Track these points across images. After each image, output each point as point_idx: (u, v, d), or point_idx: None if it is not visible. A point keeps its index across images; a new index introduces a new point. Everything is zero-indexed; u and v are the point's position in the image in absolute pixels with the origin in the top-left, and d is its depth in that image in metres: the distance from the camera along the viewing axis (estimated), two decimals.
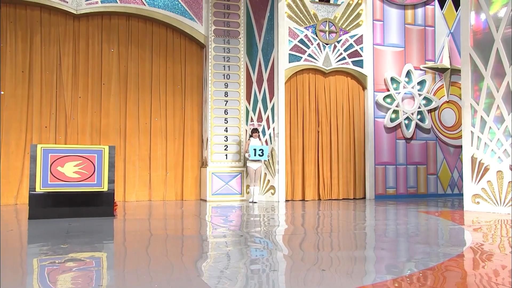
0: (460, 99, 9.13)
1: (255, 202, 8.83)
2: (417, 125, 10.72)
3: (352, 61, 10.29)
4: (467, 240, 4.71)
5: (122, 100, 9.21)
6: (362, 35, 10.42)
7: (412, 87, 10.68)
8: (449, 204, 8.84)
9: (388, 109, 10.47)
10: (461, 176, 10.60)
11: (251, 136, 9.11)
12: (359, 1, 10.45)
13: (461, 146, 9.37)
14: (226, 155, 9.45)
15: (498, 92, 7.30)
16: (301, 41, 9.92)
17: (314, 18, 10.07)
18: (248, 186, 9.37)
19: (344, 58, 10.22)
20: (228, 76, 9.54)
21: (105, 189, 6.21)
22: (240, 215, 7.04)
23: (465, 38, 7.83)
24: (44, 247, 4.05)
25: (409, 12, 10.94)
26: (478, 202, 7.49)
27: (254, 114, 9.66)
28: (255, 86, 9.69)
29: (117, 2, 9.02)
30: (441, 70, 11.06)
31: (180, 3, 9.47)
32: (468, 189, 7.66)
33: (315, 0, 10.25)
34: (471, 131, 7.67)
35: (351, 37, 10.33)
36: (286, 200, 9.49)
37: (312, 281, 2.89)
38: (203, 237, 4.99)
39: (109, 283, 2.87)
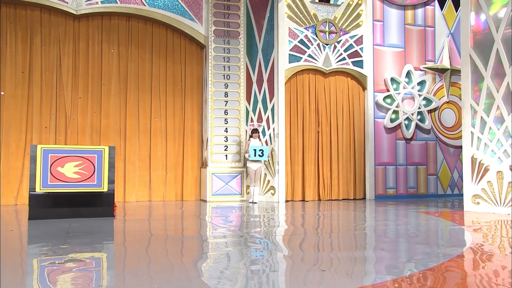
0: (460, 99, 9.14)
1: (255, 203, 8.83)
2: (417, 126, 10.72)
3: (352, 62, 10.29)
4: (467, 240, 4.71)
5: (122, 100, 9.21)
6: (362, 35, 10.42)
7: (412, 88, 10.69)
8: (449, 205, 8.84)
9: (388, 109, 10.48)
10: (461, 177, 10.60)
11: (251, 136, 9.11)
12: (359, 2, 10.46)
13: (461, 147, 9.37)
14: (226, 155, 9.45)
15: (498, 92, 7.30)
16: (301, 41, 9.92)
17: (314, 19, 10.08)
18: (248, 187, 9.37)
19: (344, 59, 10.23)
20: (228, 76, 9.54)
21: (105, 189, 6.21)
22: (240, 215, 7.04)
23: (465, 38, 7.83)
24: (44, 247, 4.05)
25: (409, 13, 10.94)
26: (478, 203, 7.49)
27: (254, 115, 9.66)
28: (255, 86, 9.70)
29: (117, 3, 9.03)
30: (441, 71, 11.06)
31: (180, 3, 9.47)
32: (468, 190, 7.65)
33: (315, 0, 10.26)
34: (471, 132, 7.67)
35: (351, 37, 10.33)
36: (286, 201, 9.49)
37: (312, 282, 2.89)
38: (203, 237, 4.98)
39: (109, 284, 2.87)
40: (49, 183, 5.97)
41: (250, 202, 8.93)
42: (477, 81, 7.64)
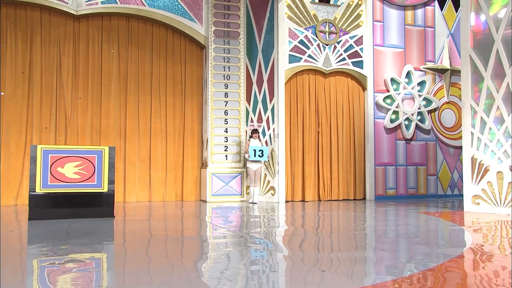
0: (460, 100, 9.14)
1: (255, 203, 8.83)
2: (417, 126, 10.72)
3: (352, 62, 10.29)
4: (467, 241, 4.71)
5: (122, 101, 9.21)
6: (362, 36, 10.42)
7: (412, 88, 10.69)
8: (449, 205, 8.84)
9: (388, 110, 10.48)
10: (461, 177, 10.60)
11: (251, 136, 9.11)
12: (359, 2, 10.46)
13: (461, 147, 9.37)
14: (226, 155, 9.45)
15: (498, 93, 7.30)
16: (301, 42, 9.92)
17: (314, 19, 10.08)
18: (248, 187, 9.37)
19: (344, 59, 10.23)
20: (228, 77, 9.54)
21: (105, 190, 6.21)
22: (240, 216, 7.04)
23: (465, 39, 7.83)
24: (44, 248, 4.05)
25: (409, 13, 10.95)
26: (478, 203, 7.49)
27: (254, 115, 9.67)
28: (255, 87, 9.70)
29: (117, 3, 9.03)
30: (441, 71, 11.06)
31: (180, 4, 9.48)
32: (468, 190, 7.65)
33: (315, 1, 10.26)
34: (471, 132, 7.67)
35: (351, 38, 10.34)
36: (286, 201, 9.49)
37: (312, 282, 2.89)
38: (203, 238, 4.98)
39: (109, 284, 2.87)
40: (49, 183, 5.97)
41: (250, 203, 8.93)
42: (477, 81, 7.64)
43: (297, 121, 9.87)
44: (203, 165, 9.62)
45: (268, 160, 9.41)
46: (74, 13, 8.77)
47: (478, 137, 7.56)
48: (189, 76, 9.75)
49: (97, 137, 8.96)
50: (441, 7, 11.25)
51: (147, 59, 9.43)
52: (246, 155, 9.02)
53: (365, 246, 4.47)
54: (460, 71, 8.53)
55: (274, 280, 3.00)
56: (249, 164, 9.02)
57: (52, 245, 4.15)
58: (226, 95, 9.50)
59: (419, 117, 10.73)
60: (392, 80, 10.53)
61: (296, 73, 9.90)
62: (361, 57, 10.37)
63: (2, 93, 8.36)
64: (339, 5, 10.35)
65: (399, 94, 10.56)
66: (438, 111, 11.04)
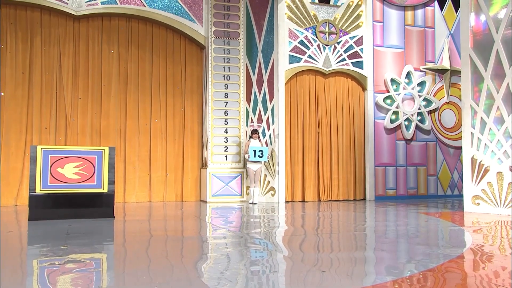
0: (460, 100, 9.14)
1: (255, 203, 8.82)
2: (417, 126, 10.72)
3: (352, 62, 10.29)
4: (467, 241, 4.71)
5: (122, 101, 9.21)
6: (362, 36, 10.42)
7: (412, 88, 10.69)
8: (449, 205, 8.84)
9: (388, 110, 10.48)
10: (461, 177, 10.60)
11: (251, 137, 9.11)
12: (359, 2, 10.46)
13: (461, 147, 9.38)
14: (226, 156, 9.45)
15: (498, 93, 7.30)
16: (301, 42, 9.92)
17: (314, 19, 10.08)
18: (248, 187, 9.37)
19: (344, 59, 10.23)
20: (228, 77, 9.54)
21: (105, 190, 6.21)
22: (240, 216, 7.04)
23: (465, 39, 7.84)
24: (44, 248, 4.05)
25: (409, 13, 10.95)
26: (478, 203, 7.49)
27: (254, 115, 9.67)
28: (255, 87, 9.70)
29: (117, 3, 9.03)
30: (441, 71, 11.06)
31: (180, 4, 9.48)
32: (468, 190, 7.65)
33: (315, 1, 10.26)
34: (471, 132, 7.67)
35: (351, 38, 10.34)
36: (286, 201, 9.49)
37: (312, 282, 2.89)
38: (203, 238, 4.98)
39: (109, 284, 2.87)
40: (49, 184, 5.98)
41: (250, 203, 8.92)
42: (477, 81, 7.64)
43: (297, 122, 9.87)
44: (203, 165, 9.62)
45: (268, 161, 9.41)
46: (74, 13, 8.77)
47: (478, 138, 7.56)
48: (189, 77, 9.75)
49: (97, 137, 8.97)
50: (441, 8, 11.26)
51: (147, 60, 9.43)
52: (246, 156, 9.02)
53: (365, 246, 4.47)
54: (460, 71, 8.53)
55: (274, 280, 3.00)
56: (249, 165, 9.02)
57: (52, 245, 4.15)
58: (226, 95, 9.50)
59: (419, 118, 10.73)
60: (392, 80, 10.54)
61: (296, 73, 9.90)
62: (361, 57, 10.37)
63: (2, 94, 8.36)
64: (339, 6, 10.35)
65: (399, 94, 10.56)
66: (438, 111, 11.04)
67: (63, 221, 5.78)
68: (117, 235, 5.25)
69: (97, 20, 9.12)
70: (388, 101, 10.50)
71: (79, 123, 8.88)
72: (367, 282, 2.93)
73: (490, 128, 7.41)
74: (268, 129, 9.55)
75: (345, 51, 10.26)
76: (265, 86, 9.62)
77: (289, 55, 9.78)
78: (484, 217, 6.71)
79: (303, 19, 9.99)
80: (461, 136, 8.35)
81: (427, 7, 11.09)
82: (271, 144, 9.49)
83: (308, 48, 9.97)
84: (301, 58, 9.89)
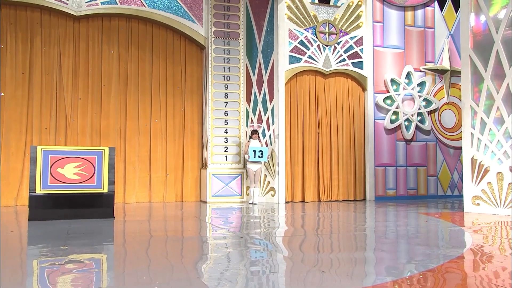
0: (460, 100, 9.14)
1: (255, 204, 8.82)
2: (417, 127, 10.72)
3: (352, 63, 10.29)
4: (467, 241, 4.71)
5: (122, 101, 9.21)
6: (362, 36, 10.43)
7: (412, 89, 10.69)
8: (449, 206, 8.84)
9: (388, 110, 10.48)
10: (461, 178, 10.60)
11: (250, 137, 9.11)
12: (359, 3, 10.46)
13: (461, 148, 9.37)
14: (226, 156, 9.45)
15: (498, 93, 7.30)
16: (301, 42, 9.92)
17: (314, 20, 10.08)
18: (248, 188, 9.37)
19: (344, 60, 10.23)
20: (228, 77, 9.54)
21: (105, 190, 6.21)
22: (240, 216, 7.04)
23: (465, 39, 7.84)
24: (44, 248, 4.05)
25: (409, 14, 10.95)
26: (478, 204, 7.48)
27: (254, 116, 9.67)
28: (255, 87, 9.70)
29: (117, 4, 9.03)
30: (441, 72, 11.06)
31: (180, 4, 9.48)
32: (468, 191, 7.65)
33: (315, 1, 10.26)
34: (471, 133, 7.67)
35: (351, 38, 10.34)
36: (286, 202, 9.49)
37: (312, 283, 2.89)
38: (203, 238, 4.98)
39: (109, 285, 2.87)
40: (49, 184, 5.98)
41: (250, 203, 8.92)
42: (477, 82, 7.64)
43: (297, 122, 9.87)
44: (203, 165, 9.62)
45: (268, 161, 9.41)
46: (74, 13, 8.78)
47: (478, 138, 7.56)
48: (189, 77, 9.75)
49: (97, 137, 8.97)
50: (441, 8, 11.26)
51: (147, 60, 9.43)
52: (246, 156, 9.02)
53: (365, 246, 4.47)
54: (460, 71, 8.53)
55: (274, 281, 3.00)
56: (249, 165, 9.02)
57: (52, 245, 4.15)
58: (226, 95, 9.50)
59: (419, 118, 10.73)
60: (392, 80, 10.54)
61: (296, 73, 9.90)
62: (361, 57, 10.37)
63: (2, 94, 8.36)
64: (339, 6, 10.35)
65: (399, 94, 10.56)
66: (438, 111, 11.04)
67: (63, 222, 5.78)
68: (117, 236, 5.25)
69: (97, 21, 9.12)
70: (388, 101, 10.50)
71: (79, 124, 8.88)
72: (367, 283, 2.93)
73: (490, 129, 7.41)
74: (268, 129, 9.55)
75: (345, 52, 10.26)
76: (265, 86, 9.62)
77: (289, 55, 9.78)
78: (484, 218, 6.71)
79: (303, 20, 9.99)
80: (461, 137, 8.35)
81: (427, 8, 11.09)
82: (271, 145, 9.49)
83: (308, 49, 9.97)
84: (301, 59, 9.89)
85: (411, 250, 4.18)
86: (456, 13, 11.10)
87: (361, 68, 10.36)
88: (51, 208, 5.97)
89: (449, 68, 11.01)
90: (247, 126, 9.62)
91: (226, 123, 9.48)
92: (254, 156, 8.90)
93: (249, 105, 9.70)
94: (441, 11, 11.24)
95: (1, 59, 8.36)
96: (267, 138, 9.53)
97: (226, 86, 9.52)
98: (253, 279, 3.01)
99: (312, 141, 9.94)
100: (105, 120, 9.06)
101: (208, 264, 3.50)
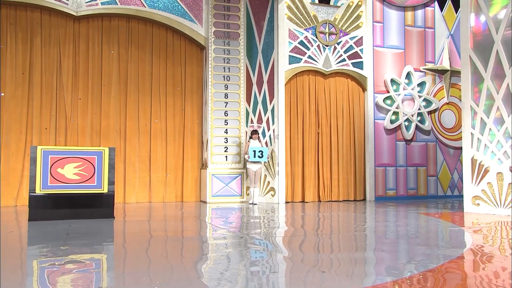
0: (460, 100, 9.14)
1: (255, 204, 8.82)
2: (417, 127, 10.72)
3: (352, 63, 10.30)
4: (467, 241, 4.71)
5: (122, 101, 9.22)
6: (362, 36, 10.43)
7: (412, 89, 10.69)
8: (449, 206, 8.84)
9: (388, 110, 10.48)
10: (461, 178, 10.60)
11: (250, 137, 9.11)
12: (359, 3, 10.46)
13: (461, 148, 9.37)
14: (226, 156, 9.45)
15: (498, 93, 7.30)
16: (301, 42, 9.92)
17: (314, 20, 10.08)
18: (248, 188, 9.37)
19: (344, 60, 10.23)
20: (228, 77, 9.54)
21: (105, 190, 6.21)
22: (240, 216, 7.04)
23: (465, 39, 7.84)
24: (44, 249, 4.05)
25: (409, 14, 10.95)
26: (478, 204, 7.48)
27: (254, 116, 9.67)
28: (255, 87, 9.70)
29: (117, 4, 9.03)
30: (441, 72, 11.06)
31: (180, 4, 9.48)
32: (468, 191, 7.65)
33: (315, 1, 10.26)
34: (471, 133, 7.67)
35: (351, 38, 10.34)
36: (286, 202, 9.49)
37: (312, 283, 2.89)
38: (203, 238, 4.98)
39: (109, 285, 2.87)
40: (49, 184, 5.98)
41: (250, 203, 8.92)
42: (477, 82, 7.64)
43: (297, 122, 9.87)
44: (203, 166, 9.62)
45: (268, 161, 9.41)
46: (74, 14, 8.78)
47: (478, 138, 7.56)
48: (189, 77, 9.75)
49: (97, 138, 8.97)
50: (441, 8, 11.26)
51: (147, 60, 9.43)
52: (246, 156, 9.02)
53: (365, 247, 4.47)
54: (460, 72, 8.53)
55: (274, 281, 3.00)
56: (249, 165, 9.02)
57: (52, 246, 4.15)
58: (226, 96, 9.50)
59: (419, 118, 10.73)
60: (392, 81, 10.54)
61: (296, 74, 9.90)
62: (361, 58, 10.37)
63: (2, 94, 8.36)
64: (339, 6, 10.35)
65: (399, 95, 10.56)
66: (438, 112, 11.04)
67: (63, 222, 5.78)
68: (117, 236, 5.25)
69: (97, 21, 9.12)
70: (388, 101, 10.50)
71: (79, 124, 8.88)
72: (367, 283, 2.93)
73: (490, 129, 7.41)
74: (268, 129, 9.55)
75: (345, 52, 10.26)
76: (265, 86, 9.62)
77: (289, 55, 9.78)
78: (484, 218, 6.71)
79: (303, 20, 9.99)
80: (461, 137, 8.35)
81: (427, 8, 11.09)
82: (271, 145, 9.49)
83: (308, 49, 9.97)
84: (301, 59, 9.89)
85: (411, 250, 4.18)
86: (456, 13, 11.10)
87: (361, 68, 10.36)
88: (51, 208, 5.97)
89: (449, 68, 11.01)
90: (247, 126, 9.62)
91: (226, 123, 9.48)
92: (254, 156, 8.90)
93: (249, 105, 9.70)
94: (441, 11, 11.25)
95: (1, 59, 8.36)
96: (267, 138, 9.53)
97: (226, 86, 9.52)
98: (253, 279, 3.01)
99: (312, 141, 9.94)
100: (105, 120, 9.06)
101: (208, 264, 3.50)
